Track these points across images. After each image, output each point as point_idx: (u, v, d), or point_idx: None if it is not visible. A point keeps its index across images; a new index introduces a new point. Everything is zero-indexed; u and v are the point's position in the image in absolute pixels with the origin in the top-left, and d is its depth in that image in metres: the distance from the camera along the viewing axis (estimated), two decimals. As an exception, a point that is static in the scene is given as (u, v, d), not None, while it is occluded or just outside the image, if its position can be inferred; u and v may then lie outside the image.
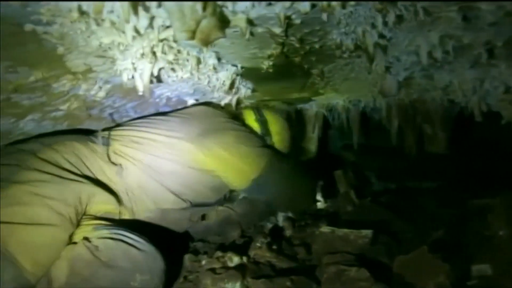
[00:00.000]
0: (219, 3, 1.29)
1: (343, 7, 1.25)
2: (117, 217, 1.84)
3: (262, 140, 2.33)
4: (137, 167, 1.91)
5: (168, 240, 2.00)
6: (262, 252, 1.83)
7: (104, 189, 1.79)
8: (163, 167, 1.95)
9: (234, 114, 2.39)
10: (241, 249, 1.91)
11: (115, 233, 1.60)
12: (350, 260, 1.65)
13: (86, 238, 1.57)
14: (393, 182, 3.64)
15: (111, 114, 2.10)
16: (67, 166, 1.72)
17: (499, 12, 1.38)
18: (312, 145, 3.67)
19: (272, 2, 1.34)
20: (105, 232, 1.61)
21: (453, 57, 1.77)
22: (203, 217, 2.26)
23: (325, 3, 1.19)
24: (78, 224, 1.65)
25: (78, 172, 1.74)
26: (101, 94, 1.86)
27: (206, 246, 2.09)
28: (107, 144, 1.93)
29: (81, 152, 1.82)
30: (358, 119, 3.48)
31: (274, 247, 1.88)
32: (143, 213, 1.93)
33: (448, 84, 2.19)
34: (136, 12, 1.16)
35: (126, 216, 1.88)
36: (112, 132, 2.02)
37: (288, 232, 2.21)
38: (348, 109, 3.36)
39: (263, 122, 2.44)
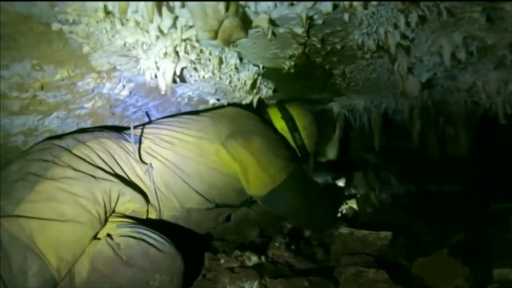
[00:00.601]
0: (242, 3, 1.31)
1: (365, 7, 1.25)
2: (144, 216, 1.86)
3: (291, 152, 2.26)
4: (166, 166, 1.92)
5: (189, 239, 2.02)
6: (281, 252, 1.83)
7: (134, 188, 1.80)
8: (190, 168, 1.96)
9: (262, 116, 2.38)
10: (259, 248, 1.92)
11: (137, 232, 1.61)
12: (369, 261, 1.63)
13: (108, 235, 1.60)
14: (415, 184, 3.60)
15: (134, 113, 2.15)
16: (100, 163, 1.74)
17: (525, 13, 1.36)
18: (333, 146, 3.66)
19: (294, 3, 1.34)
20: (127, 230, 1.63)
21: (477, 58, 1.75)
22: (228, 218, 2.27)
23: (347, 3, 1.19)
24: (105, 222, 1.68)
25: (110, 170, 1.76)
26: (125, 92, 1.90)
27: (225, 245, 2.10)
28: (139, 142, 1.93)
29: (114, 150, 1.84)
30: (379, 121, 3.46)
31: (293, 247, 1.88)
32: (169, 212, 1.94)
33: (472, 86, 2.16)
34: (160, 13, 1.18)
35: (153, 215, 1.89)
36: (145, 130, 2.03)
37: (307, 233, 2.21)
38: (370, 110, 3.34)
39: (289, 119, 2.40)
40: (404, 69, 1.92)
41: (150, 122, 2.19)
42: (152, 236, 1.61)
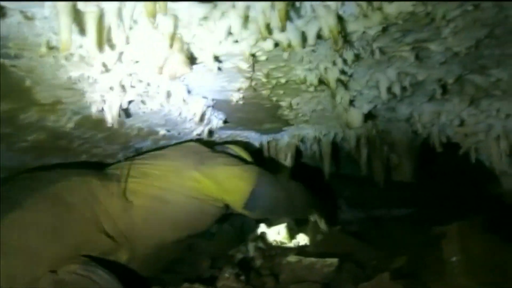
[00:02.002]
0: (186, 40, 1.35)
1: (303, 46, 1.32)
2: (112, 257, 1.84)
3: (245, 161, 2.45)
4: (148, 203, 1.96)
5: (137, 274, 1.99)
6: (230, 282, 1.84)
7: (106, 229, 1.81)
8: (171, 198, 2.02)
9: None
10: (209, 280, 1.92)
11: (85, 269, 1.60)
12: (318, 288, 1.67)
13: (54, 271, 1.58)
14: (363, 210, 3.72)
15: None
16: (77, 201, 1.75)
17: (447, 53, 1.48)
18: (284, 174, 3.72)
19: (238, 40, 1.40)
20: (75, 268, 1.61)
21: (411, 92, 1.87)
22: (190, 247, 2.28)
23: (285, 43, 1.26)
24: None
25: (86, 209, 1.77)
26: (70, 125, 1.87)
27: (174, 277, 2.08)
28: (124, 180, 1.98)
29: (96, 188, 1.86)
30: (329, 149, 3.56)
31: (242, 277, 1.89)
32: (142, 251, 1.94)
33: (410, 117, 2.29)
34: (102, 50, 1.19)
35: (124, 254, 1.88)
36: (131, 167, 2.08)
37: (258, 262, 2.23)
38: (319, 139, 3.44)
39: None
40: (346, 102, 2.01)
41: (133, 157, 2.26)
42: (99, 274, 1.59)
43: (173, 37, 1.25)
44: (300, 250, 2.27)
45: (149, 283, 1.92)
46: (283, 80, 1.84)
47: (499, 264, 1.47)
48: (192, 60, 1.45)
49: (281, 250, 2.39)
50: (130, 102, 1.78)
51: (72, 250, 1.65)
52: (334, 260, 1.87)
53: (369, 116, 2.37)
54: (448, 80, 1.70)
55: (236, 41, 1.42)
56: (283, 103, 2.31)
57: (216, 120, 2.49)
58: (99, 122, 1.96)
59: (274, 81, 1.85)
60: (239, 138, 3.26)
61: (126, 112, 1.86)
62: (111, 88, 1.54)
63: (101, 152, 2.28)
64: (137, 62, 1.46)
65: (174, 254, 2.18)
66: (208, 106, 2.23)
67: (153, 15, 0.98)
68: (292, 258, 1.94)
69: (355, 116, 2.21)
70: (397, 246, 2.39)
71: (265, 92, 2.06)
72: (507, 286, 1.40)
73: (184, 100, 1.98)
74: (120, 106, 1.68)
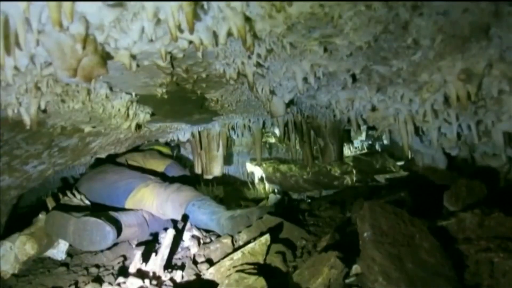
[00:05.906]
0: (100, 41, 1.36)
1: (216, 45, 1.38)
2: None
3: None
4: None
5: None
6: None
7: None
8: None
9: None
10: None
11: None
12: (250, 269, 1.76)
13: None
14: (293, 191, 3.90)
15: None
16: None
17: (351, 46, 1.61)
18: (217, 163, 3.79)
19: (153, 39, 1.43)
20: None
21: (326, 82, 1.99)
22: None
23: (197, 42, 1.31)
24: None
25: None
26: (-15, 129, 1.81)
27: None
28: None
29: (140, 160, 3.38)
30: (259, 135, 3.68)
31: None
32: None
33: (329, 104, 2.43)
34: (9, 53, 1.17)
35: None
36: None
37: (193, 250, 2.29)
38: (249, 126, 3.55)
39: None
40: (267, 92, 2.10)
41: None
42: None
43: (85, 39, 1.26)
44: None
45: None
46: (203, 75, 1.89)
47: (405, 236, 1.62)
48: (108, 59, 1.45)
49: (215, 237, 2.46)
50: (47, 102, 1.75)
51: None
52: (267, 237, 1.97)
53: (291, 104, 2.48)
54: (355, 70, 1.84)
55: (151, 41, 1.44)
56: (208, 96, 2.36)
57: (143, 114, 2.50)
58: (18, 124, 1.91)
59: (195, 76, 1.90)
60: (169, 130, 3.30)
61: (44, 112, 1.82)
62: (26, 91, 1.51)
63: (23, 154, 2.21)
64: (50, 64, 1.44)
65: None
66: (133, 102, 2.23)
67: (59, 23, 0.99)
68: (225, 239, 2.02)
69: (278, 105, 2.31)
70: (323, 224, 2.54)
71: (188, 86, 2.10)
72: (412, 255, 1.55)
73: (107, 97, 1.98)
74: (39, 107, 1.64)
